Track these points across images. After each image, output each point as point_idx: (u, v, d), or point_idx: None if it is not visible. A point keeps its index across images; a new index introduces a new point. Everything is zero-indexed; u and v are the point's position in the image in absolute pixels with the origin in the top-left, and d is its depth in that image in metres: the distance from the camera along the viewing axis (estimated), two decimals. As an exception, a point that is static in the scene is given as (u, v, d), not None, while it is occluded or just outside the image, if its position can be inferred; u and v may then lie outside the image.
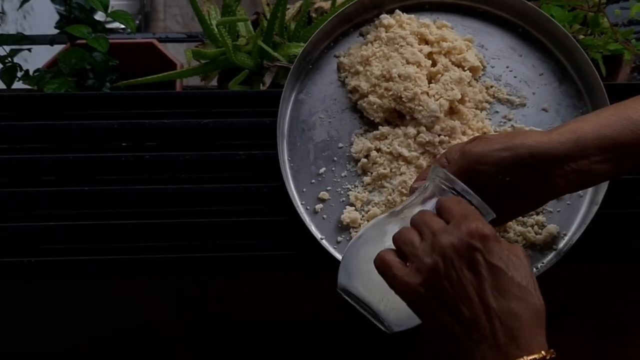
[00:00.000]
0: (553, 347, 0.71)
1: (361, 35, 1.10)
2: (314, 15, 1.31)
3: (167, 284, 1.09)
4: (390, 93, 1.02)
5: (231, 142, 1.05)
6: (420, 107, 1.01)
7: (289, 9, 1.29)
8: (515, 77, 1.08)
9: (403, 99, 1.02)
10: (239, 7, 1.28)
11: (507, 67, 1.08)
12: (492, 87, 1.07)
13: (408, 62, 1.04)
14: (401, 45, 1.05)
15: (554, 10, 1.19)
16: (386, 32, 1.07)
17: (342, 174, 1.03)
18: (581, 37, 1.21)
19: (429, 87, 1.03)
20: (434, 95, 1.03)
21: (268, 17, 1.25)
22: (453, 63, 1.06)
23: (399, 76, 1.02)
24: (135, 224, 1.02)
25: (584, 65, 1.05)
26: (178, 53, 1.39)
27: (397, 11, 1.09)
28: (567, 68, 1.08)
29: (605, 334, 1.27)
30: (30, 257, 1.00)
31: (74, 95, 1.13)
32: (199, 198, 1.00)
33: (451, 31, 1.09)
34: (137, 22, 2.52)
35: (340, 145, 1.04)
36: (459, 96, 1.03)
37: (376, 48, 1.06)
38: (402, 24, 1.07)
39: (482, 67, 1.08)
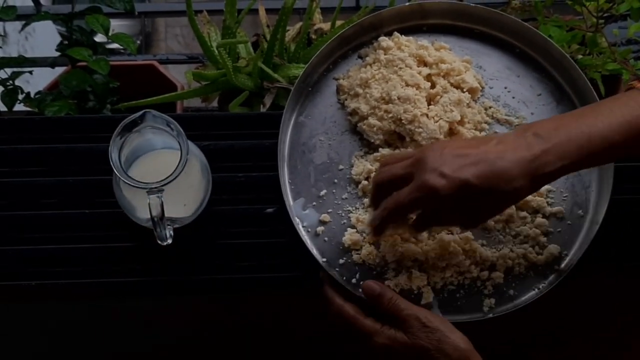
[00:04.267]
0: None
1: (360, 57, 1.11)
2: (313, 36, 1.32)
3: (167, 307, 1.09)
4: (390, 115, 1.03)
5: (231, 164, 1.05)
6: (420, 129, 1.01)
7: (288, 30, 1.30)
8: (513, 97, 1.08)
9: (403, 121, 1.02)
10: (239, 29, 1.29)
11: (505, 88, 1.09)
12: (490, 107, 1.07)
13: (407, 84, 1.04)
14: (400, 68, 1.05)
15: (552, 30, 1.19)
16: (385, 54, 1.07)
17: (343, 196, 1.03)
18: (580, 57, 1.21)
19: (428, 108, 1.03)
20: (433, 117, 1.03)
21: (268, 38, 1.25)
22: (452, 84, 1.06)
23: (399, 98, 1.02)
24: (137, 246, 1.02)
25: (581, 85, 1.06)
26: (179, 74, 1.39)
27: (396, 33, 1.09)
28: (564, 88, 1.08)
29: (605, 345, 1.27)
30: (31, 280, 1.00)
31: (74, 118, 1.14)
32: (199, 220, 0.99)
33: (449, 53, 1.09)
34: (138, 42, 2.52)
35: (341, 167, 1.04)
36: (459, 117, 1.03)
37: (375, 70, 1.06)
38: (401, 46, 1.07)
39: (480, 88, 1.08)
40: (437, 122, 1.02)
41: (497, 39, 1.10)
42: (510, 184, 0.82)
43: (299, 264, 1.02)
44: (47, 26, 2.18)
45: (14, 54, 2.06)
